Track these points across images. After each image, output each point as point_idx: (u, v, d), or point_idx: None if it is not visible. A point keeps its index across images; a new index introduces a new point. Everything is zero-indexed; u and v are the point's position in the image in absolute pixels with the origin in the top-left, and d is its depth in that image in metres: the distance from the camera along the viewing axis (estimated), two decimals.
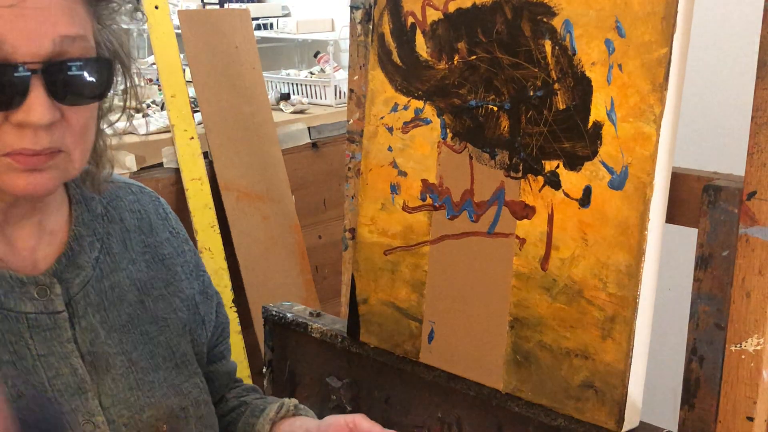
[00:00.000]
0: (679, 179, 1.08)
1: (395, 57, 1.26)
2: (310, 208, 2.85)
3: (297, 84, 3.11)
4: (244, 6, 3.59)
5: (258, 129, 2.68)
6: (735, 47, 2.05)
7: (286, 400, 1.12)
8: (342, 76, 3.05)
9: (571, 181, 1.09)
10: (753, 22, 1.06)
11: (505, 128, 1.14)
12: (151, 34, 2.48)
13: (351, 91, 1.43)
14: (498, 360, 1.17)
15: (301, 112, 2.92)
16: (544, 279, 1.12)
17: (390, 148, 1.28)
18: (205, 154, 2.54)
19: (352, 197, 1.43)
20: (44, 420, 0.88)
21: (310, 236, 2.83)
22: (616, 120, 1.04)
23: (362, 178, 1.32)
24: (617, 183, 1.05)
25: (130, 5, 0.96)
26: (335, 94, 3.04)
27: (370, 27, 1.31)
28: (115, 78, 0.92)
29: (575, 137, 1.08)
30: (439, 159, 1.22)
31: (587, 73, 1.06)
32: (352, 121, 1.43)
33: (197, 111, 2.60)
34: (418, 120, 1.24)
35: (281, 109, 2.92)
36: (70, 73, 0.84)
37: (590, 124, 1.06)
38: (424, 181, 1.24)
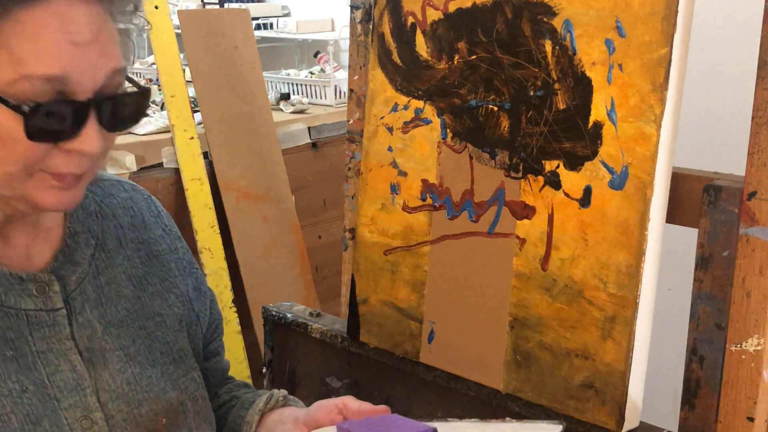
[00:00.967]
0: (679, 179, 1.08)
1: (395, 57, 1.26)
2: (310, 208, 2.85)
3: (297, 84, 3.11)
4: (244, 6, 3.58)
5: (258, 129, 2.68)
6: (735, 47, 2.05)
7: (276, 391, 1.12)
8: (342, 76, 3.05)
9: (572, 181, 1.08)
10: (753, 22, 1.06)
11: (506, 128, 1.14)
12: (151, 34, 2.48)
13: (351, 91, 1.43)
14: (498, 360, 1.17)
15: (301, 112, 2.92)
16: (544, 279, 1.12)
17: (390, 148, 1.28)
18: (205, 154, 2.54)
19: (352, 197, 1.43)
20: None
21: (310, 236, 2.83)
22: (617, 120, 1.04)
23: (362, 178, 1.32)
24: (617, 183, 1.05)
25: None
26: (335, 94, 3.03)
27: (370, 27, 1.31)
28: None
29: (575, 137, 1.08)
30: (439, 159, 1.22)
31: (587, 73, 1.06)
32: (352, 121, 1.42)
33: (197, 111, 2.59)
34: (418, 120, 1.24)
35: (281, 109, 2.92)
36: (118, 103, 0.86)
37: (590, 124, 1.06)
38: (424, 181, 1.24)
